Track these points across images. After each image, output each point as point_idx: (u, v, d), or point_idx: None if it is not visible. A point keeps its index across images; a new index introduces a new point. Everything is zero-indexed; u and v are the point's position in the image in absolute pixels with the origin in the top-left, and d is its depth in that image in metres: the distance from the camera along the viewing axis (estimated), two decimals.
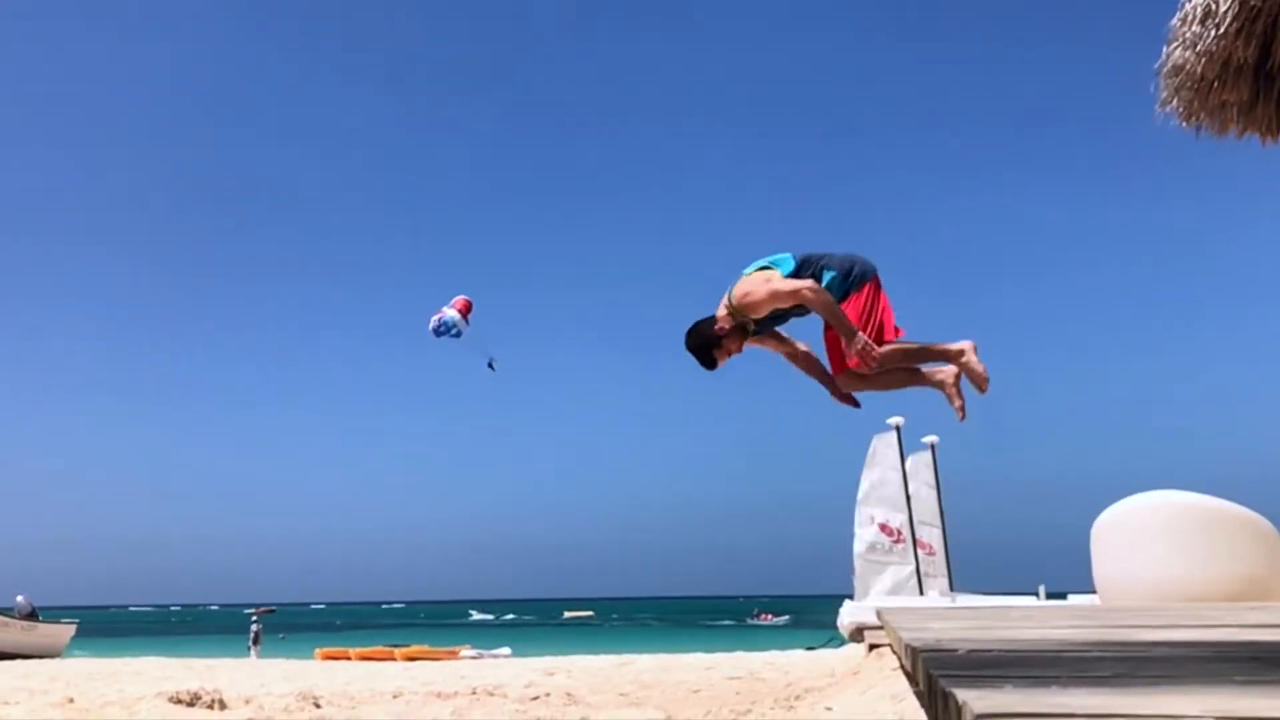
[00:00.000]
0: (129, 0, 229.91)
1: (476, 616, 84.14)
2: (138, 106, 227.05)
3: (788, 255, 5.00)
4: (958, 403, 4.83)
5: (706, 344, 5.02)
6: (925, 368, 4.93)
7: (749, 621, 65.19)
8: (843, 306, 4.81)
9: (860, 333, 4.70)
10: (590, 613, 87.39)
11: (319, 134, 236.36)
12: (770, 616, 67.56)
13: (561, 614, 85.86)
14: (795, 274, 4.84)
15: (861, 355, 4.67)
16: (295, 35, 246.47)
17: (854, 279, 4.91)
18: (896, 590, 15.34)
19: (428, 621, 70.39)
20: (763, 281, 4.79)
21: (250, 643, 23.93)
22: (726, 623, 64.13)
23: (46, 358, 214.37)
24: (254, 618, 26.94)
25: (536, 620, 77.68)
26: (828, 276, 4.89)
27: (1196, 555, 8.18)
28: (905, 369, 4.97)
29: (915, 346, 4.92)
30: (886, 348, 4.77)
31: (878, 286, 4.94)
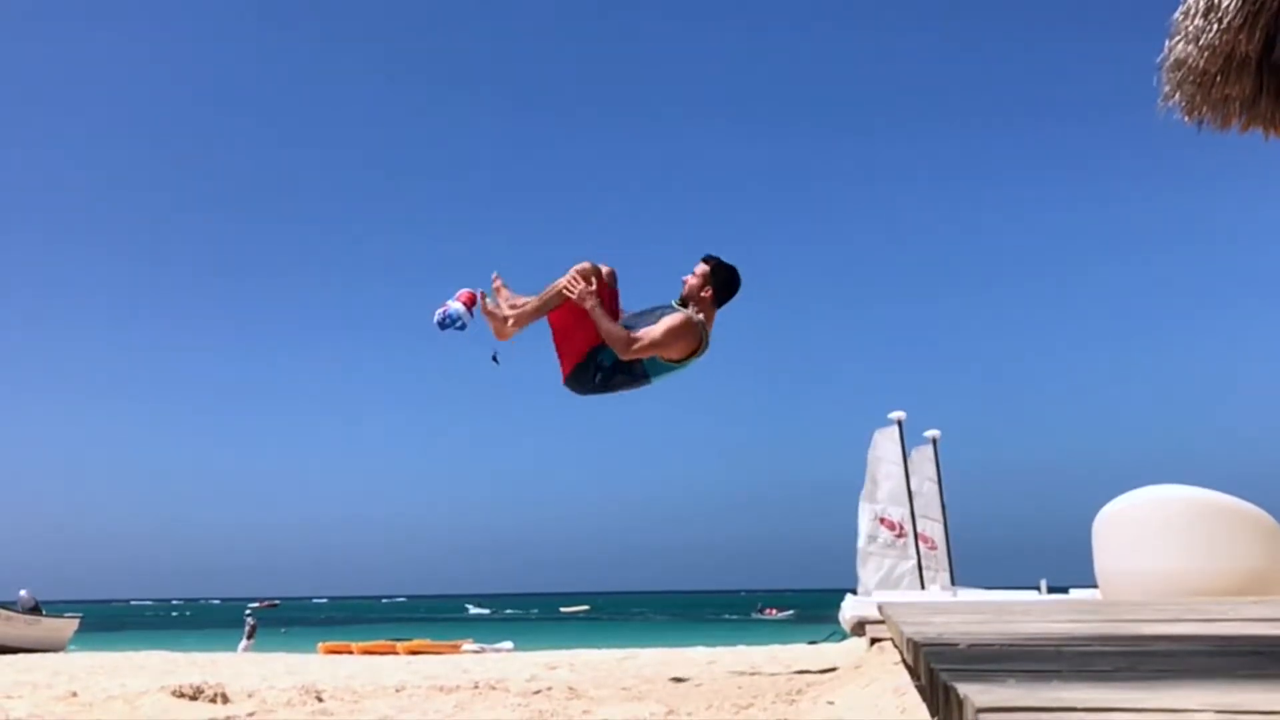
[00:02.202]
0: None
1: (474, 611, 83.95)
2: (139, 103, 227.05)
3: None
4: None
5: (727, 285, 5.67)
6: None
7: (754, 616, 65.16)
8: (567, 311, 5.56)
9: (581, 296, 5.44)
10: (586, 607, 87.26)
11: (322, 130, 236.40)
12: (775, 611, 67.49)
13: (557, 609, 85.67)
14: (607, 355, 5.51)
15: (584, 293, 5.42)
16: (296, 31, 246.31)
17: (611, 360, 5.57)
18: (898, 584, 15.35)
19: (428, 616, 70.38)
20: (661, 336, 5.41)
21: (244, 636, 23.59)
22: (729, 617, 64.13)
23: (47, 353, 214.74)
24: (248, 612, 26.70)
25: (537, 615, 77.67)
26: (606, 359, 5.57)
27: (1198, 549, 8.18)
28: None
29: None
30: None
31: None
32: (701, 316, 5.54)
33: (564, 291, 5.43)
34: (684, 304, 5.61)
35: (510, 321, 5.66)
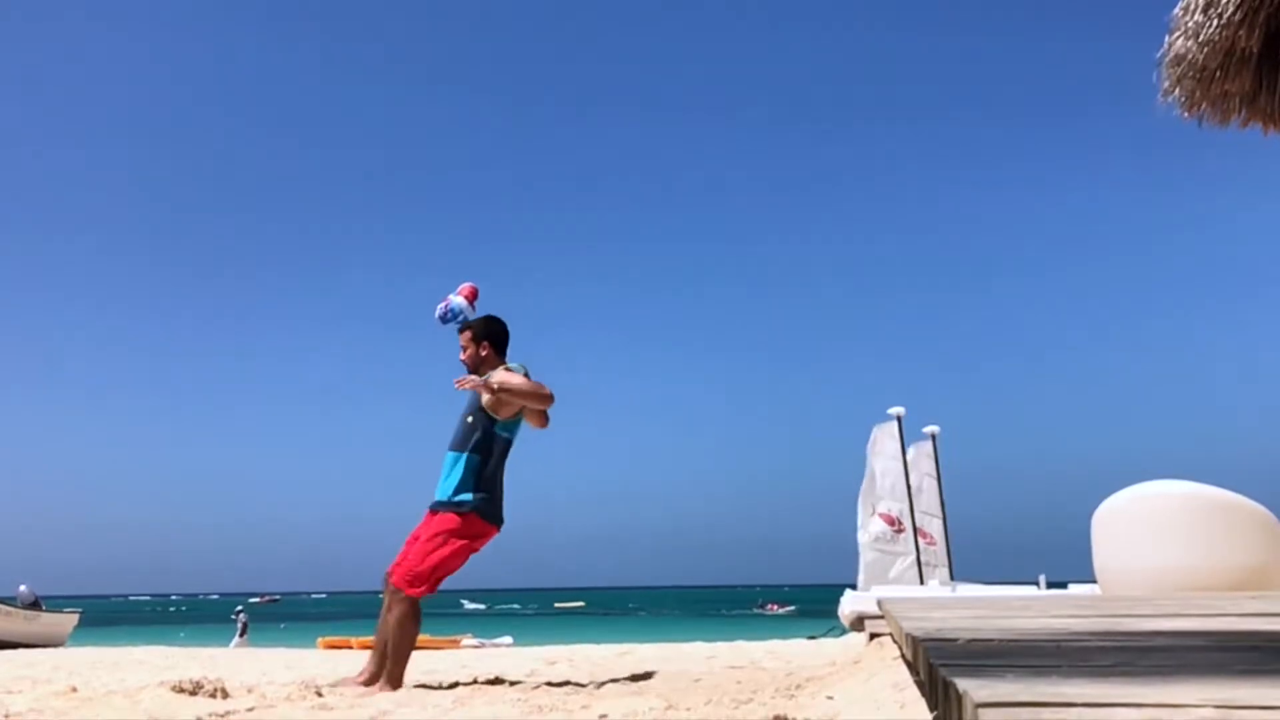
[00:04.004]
0: None
1: (469, 606, 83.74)
2: (141, 102, 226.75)
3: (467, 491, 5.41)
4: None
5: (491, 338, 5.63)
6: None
7: (754, 611, 65.14)
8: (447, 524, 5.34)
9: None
10: (581, 603, 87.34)
11: (321, 127, 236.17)
12: (776, 607, 67.41)
13: (552, 604, 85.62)
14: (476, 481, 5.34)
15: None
16: (296, 29, 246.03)
17: (477, 506, 5.35)
18: (897, 580, 15.37)
19: (424, 611, 70.18)
20: (521, 380, 5.34)
21: (237, 634, 23.37)
22: (728, 613, 64.16)
23: (48, 350, 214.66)
24: (239, 608, 26.58)
25: (534, 610, 77.64)
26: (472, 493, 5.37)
27: (1197, 545, 8.19)
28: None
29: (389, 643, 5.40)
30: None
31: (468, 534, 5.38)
32: (502, 367, 5.52)
33: (485, 397, 5.28)
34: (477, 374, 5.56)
35: (385, 686, 5.14)
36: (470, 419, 5.44)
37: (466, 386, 5.28)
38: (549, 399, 5.33)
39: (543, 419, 5.46)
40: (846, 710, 3.75)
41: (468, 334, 5.62)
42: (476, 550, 5.44)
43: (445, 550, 5.31)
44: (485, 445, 5.37)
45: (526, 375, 5.43)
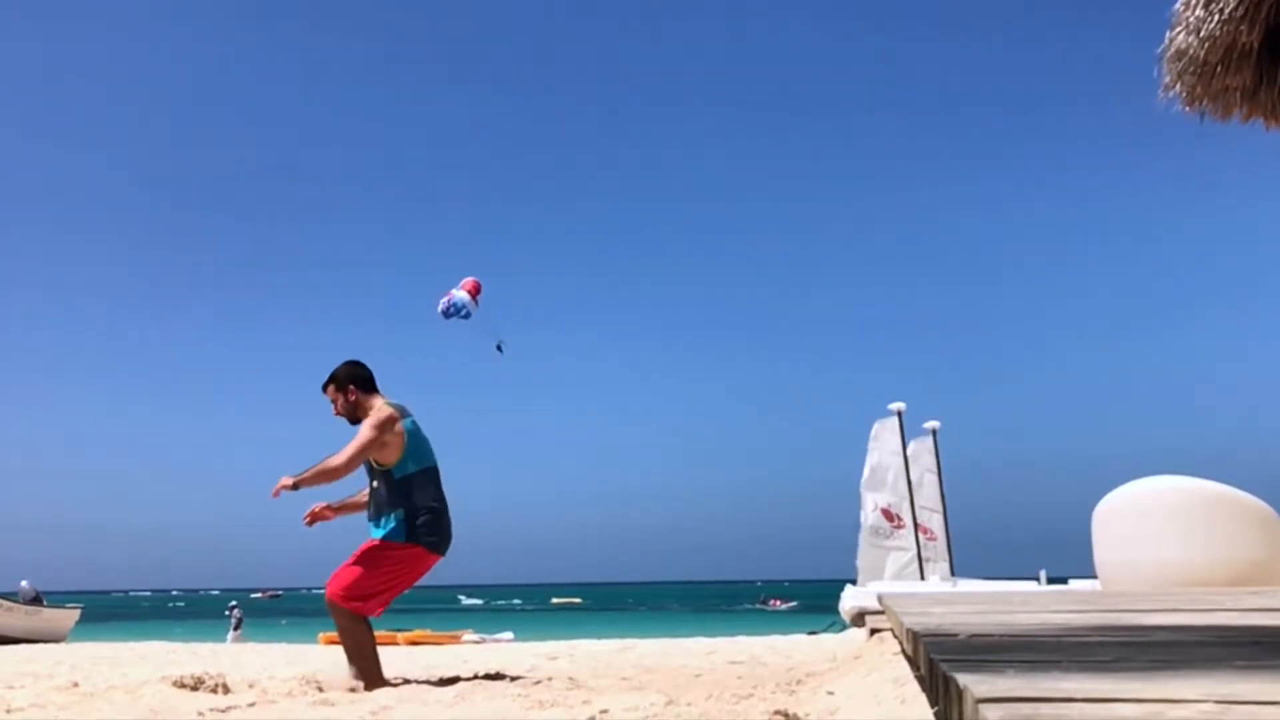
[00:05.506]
0: None
1: (467, 601, 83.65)
2: (140, 100, 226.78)
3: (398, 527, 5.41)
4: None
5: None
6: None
7: (757, 606, 65.08)
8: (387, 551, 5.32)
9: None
10: (578, 600, 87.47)
11: (323, 123, 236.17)
12: (779, 602, 67.33)
13: (548, 600, 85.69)
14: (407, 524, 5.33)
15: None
16: (297, 25, 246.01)
17: (419, 531, 5.36)
18: (898, 575, 15.39)
19: (421, 606, 70.29)
20: (367, 431, 5.35)
21: (231, 628, 23.35)
22: (727, 608, 64.15)
23: (48, 347, 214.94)
24: (233, 604, 26.52)
25: (532, 606, 77.66)
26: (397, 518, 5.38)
27: (1197, 540, 8.20)
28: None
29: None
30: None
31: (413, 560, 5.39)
32: (376, 406, 5.48)
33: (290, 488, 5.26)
34: (357, 422, 5.54)
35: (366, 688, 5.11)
36: (375, 485, 5.44)
37: (279, 493, 5.24)
38: (333, 475, 5.29)
39: (397, 441, 5.42)
40: (847, 705, 3.75)
41: (331, 388, 5.60)
42: (408, 570, 5.38)
43: (373, 564, 5.27)
44: (402, 495, 5.35)
45: (402, 412, 5.44)
